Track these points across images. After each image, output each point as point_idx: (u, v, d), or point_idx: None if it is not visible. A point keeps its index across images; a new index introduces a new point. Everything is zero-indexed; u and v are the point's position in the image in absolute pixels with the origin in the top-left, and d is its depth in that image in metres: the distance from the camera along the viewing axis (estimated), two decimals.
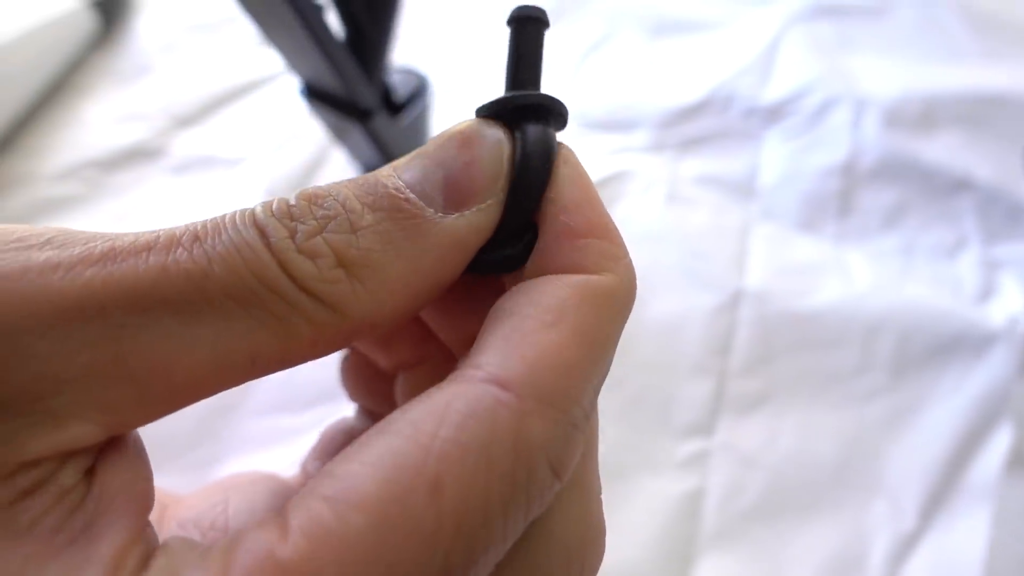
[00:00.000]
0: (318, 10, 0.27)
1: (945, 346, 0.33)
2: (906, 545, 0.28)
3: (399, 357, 0.18)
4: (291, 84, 0.35)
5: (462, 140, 0.13)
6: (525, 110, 0.14)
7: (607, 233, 0.13)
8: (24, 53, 0.40)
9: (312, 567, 0.09)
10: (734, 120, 0.43)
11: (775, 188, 0.40)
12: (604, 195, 0.38)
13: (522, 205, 0.13)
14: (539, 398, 0.11)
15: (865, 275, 0.36)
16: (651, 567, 0.26)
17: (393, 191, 0.12)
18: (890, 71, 0.47)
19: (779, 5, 0.51)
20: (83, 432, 0.10)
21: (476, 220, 0.13)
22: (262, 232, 0.11)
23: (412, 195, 0.12)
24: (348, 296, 0.12)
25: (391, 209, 0.12)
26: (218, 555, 0.10)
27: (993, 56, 0.48)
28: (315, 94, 0.33)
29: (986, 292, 0.35)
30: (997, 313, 0.34)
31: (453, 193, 0.13)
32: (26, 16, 0.41)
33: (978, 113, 0.44)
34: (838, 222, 0.38)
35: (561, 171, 0.14)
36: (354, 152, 0.38)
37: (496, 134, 0.13)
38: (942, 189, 0.40)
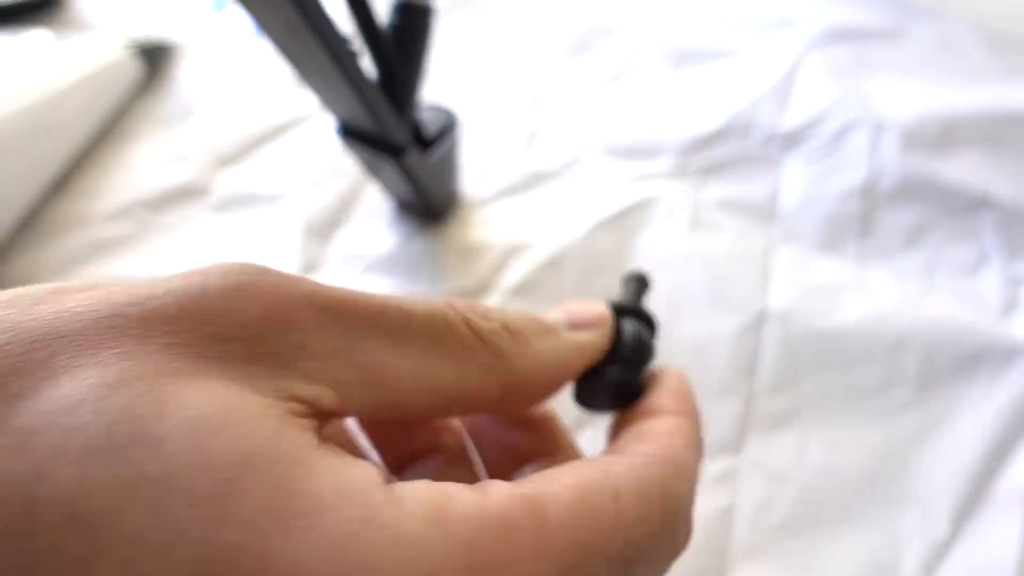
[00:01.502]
0: (353, 56, 0.29)
1: (970, 360, 0.33)
2: (938, 554, 0.28)
3: (407, 446, 0.21)
4: (326, 123, 0.36)
5: (580, 305, 0.20)
6: (626, 310, 0.22)
7: (686, 414, 0.19)
8: (75, 100, 0.43)
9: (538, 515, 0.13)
10: (754, 146, 0.44)
11: (796, 211, 0.40)
12: (629, 222, 0.39)
13: (622, 355, 0.21)
14: (677, 465, 0.16)
15: (888, 293, 0.36)
16: None
17: (531, 316, 0.18)
18: (908, 93, 0.47)
19: (796, 31, 0.52)
20: (322, 395, 0.13)
21: (588, 336, 0.19)
22: (450, 305, 0.16)
23: (544, 317, 0.19)
24: (511, 349, 0.17)
25: (532, 320, 0.18)
26: (470, 489, 0.13)
27: (1011, 75, 0.49)
28: (350, 133, 0.35)
29: (1009, 307, 0.36)
30: (1021, 327, 0.35)
31: (573, 323, 0.19)
32: (75, 66, 0.44)
33: (997, 132, 0.45)
34: (859, 243, 0.39)
35: (666, 376, 0.21)
36: (387, 186, 0.39)
37: (604, 308, 0.21)
38: (962, 207, 0.40)
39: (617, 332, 0.21)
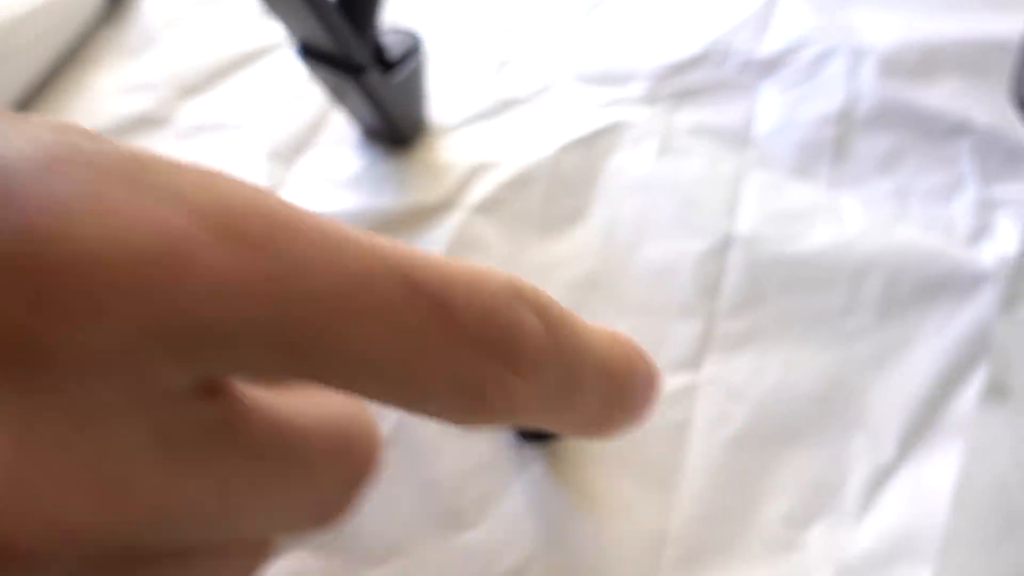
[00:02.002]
0: None
1: (932, 288, 0.33)
2: (883, 475, 0.28)
3: None
4: (292, 54, 0.36)
5: None
6: None
7: None
8: (34, 26, 0.42)
9: None
10: (730, 72, 0.43)
11: (770, 137, 0.40)
12: (599, 144, 0.39)
13: None
14: None
15: (857, 219, 0.36)
16: (638, 494, 0.27)
17: None
18: (889, 21, 0.46)
19: None
20: None
21: None
22: None
23: None
24: None
25: None
26: None
27: (995, 5, 0.48)
28: (311, 53, 0.34)
29: (979, 233, 0.35)
30: (988, 254, 0.34)
31: None
32: None
33: (977, 59, 0.44)
34: (832, 168, 0.38)
35: None
36: (353, 112, 0.39)
37: None
38: (939, 133, 0.40)
39: None
